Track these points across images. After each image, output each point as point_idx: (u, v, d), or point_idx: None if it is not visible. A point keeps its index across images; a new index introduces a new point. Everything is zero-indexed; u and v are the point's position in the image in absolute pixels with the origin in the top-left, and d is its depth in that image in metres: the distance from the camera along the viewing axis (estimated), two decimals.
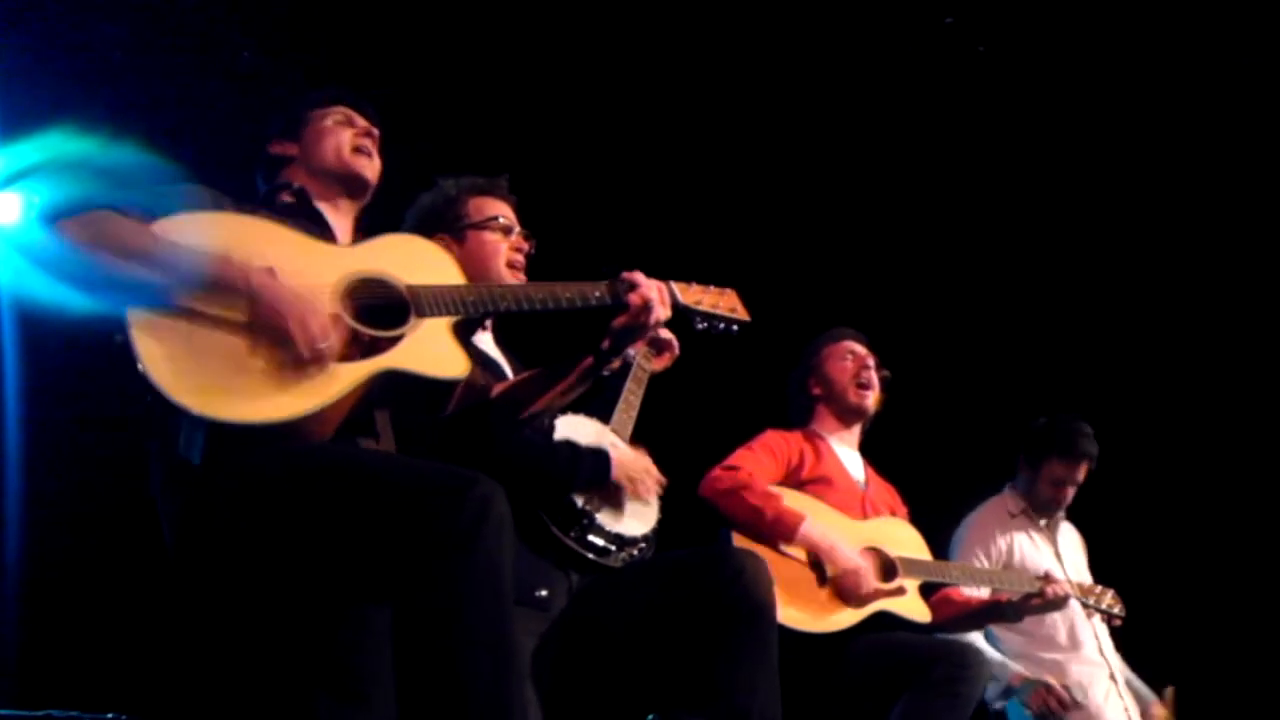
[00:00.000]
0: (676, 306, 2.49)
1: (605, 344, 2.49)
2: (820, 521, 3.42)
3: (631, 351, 3.12)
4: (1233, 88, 4.77)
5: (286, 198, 2.43)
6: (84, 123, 3.85)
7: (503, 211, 2.87)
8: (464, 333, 2.27)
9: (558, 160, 3.51)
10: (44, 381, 4.15)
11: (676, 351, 3.20)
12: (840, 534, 3.43)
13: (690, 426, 3.92)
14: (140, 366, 1.94)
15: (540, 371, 2.59)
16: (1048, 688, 3.78)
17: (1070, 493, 4.13)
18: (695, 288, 2.56)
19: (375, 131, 2.53)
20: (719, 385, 4.47)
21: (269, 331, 2.02)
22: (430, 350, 2.14)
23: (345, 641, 2.13)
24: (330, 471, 1.99)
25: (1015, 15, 4.73)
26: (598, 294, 2.39)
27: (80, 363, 4.03)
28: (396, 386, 2.12)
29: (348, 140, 2.48)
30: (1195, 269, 5.25)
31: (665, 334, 3.14)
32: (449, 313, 2.20)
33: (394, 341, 2.11)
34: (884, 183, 5.16)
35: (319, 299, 2.08)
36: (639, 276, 2.44)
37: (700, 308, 2.54)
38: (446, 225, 2.83)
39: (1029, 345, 5.33)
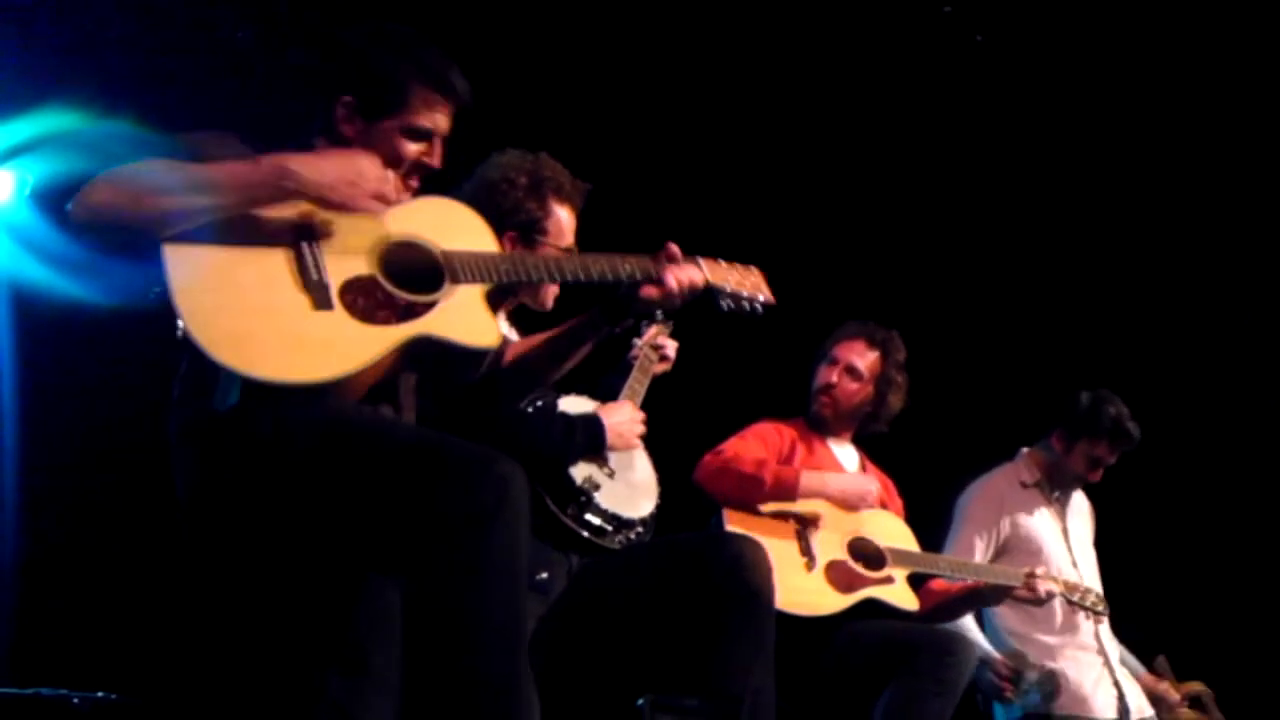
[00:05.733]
0: (704, 285, 2.43)
1: (622, 308, 2.42)
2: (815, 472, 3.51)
3: (638, 340, 3.14)
4: (1235, 66, 4.75)
5: None
6: (78, 100, 3.83)
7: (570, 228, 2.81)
8: (495, 301, 2.25)
9: (581, 137, 3.48)
10: (40, 361, 4.11)
11: (671, 362, 3.20)
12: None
13: (694, 417, 3.93)
14: (180, 323, 1.91)
15: (548, 336, 2.53)
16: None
17: (1101, 473, 4.12)
18: (723, 265, 2.51)
19: (444, 136, 2.25)
20: (723, 376, 4.49)
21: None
22: (464, 318, 2.13)
23: (352, 614, 2.12)
24: (356, 437, 1.97)
25: (1014, 3, 4.74)
26: (628, 269, 2.35)
27: (78, 342, 4.00)
28: (428, 353, 2.11)
29: (404, 160, 2.20)
30: (1187, 250, 5.25)
31: (667, 344, 3.15)
32: (482, 280, 2.18)
33: (429, 307, 2.10)
34: (882, 170, 5.16)
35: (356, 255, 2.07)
36: (675, 250, 2.39)
37: (727, 287, 2.48)
38: (514, 219, 2.76)
39: (1032, 327, 5.34)
